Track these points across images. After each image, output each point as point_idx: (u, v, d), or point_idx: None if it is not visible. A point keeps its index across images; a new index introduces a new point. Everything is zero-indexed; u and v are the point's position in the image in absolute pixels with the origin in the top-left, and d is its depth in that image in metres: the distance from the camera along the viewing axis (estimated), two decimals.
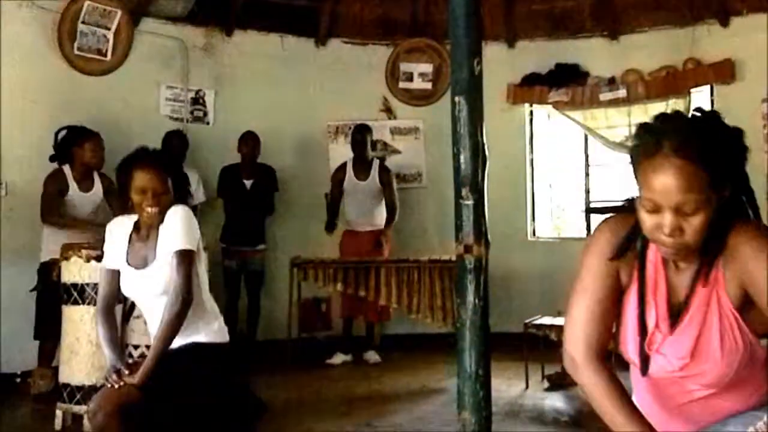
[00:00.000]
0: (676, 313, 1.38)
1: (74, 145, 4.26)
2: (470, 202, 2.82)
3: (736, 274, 1.31)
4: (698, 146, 1.26)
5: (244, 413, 2.46)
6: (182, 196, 2.45)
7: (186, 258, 2.25)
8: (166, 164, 2.42)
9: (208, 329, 2.38)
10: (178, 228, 2.29)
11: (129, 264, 2.36)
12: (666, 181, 1.24)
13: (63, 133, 4.30)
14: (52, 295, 3.79)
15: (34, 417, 3.85)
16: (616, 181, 5.97)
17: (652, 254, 1.41)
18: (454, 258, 2.92)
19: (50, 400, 3.67)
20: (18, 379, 4.48)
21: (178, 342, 2.29)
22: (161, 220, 2.35)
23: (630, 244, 1.40)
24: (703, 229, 1.25)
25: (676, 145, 1.26)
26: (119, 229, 2.44)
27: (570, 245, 5.74)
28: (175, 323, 2.22)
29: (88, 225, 4.28)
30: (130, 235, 2.41)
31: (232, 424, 2.42)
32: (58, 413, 3.60)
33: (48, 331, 3.91)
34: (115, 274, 2.40)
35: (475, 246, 2.80)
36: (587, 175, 5.75)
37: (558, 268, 5.51)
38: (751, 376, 1.37)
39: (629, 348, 1.43)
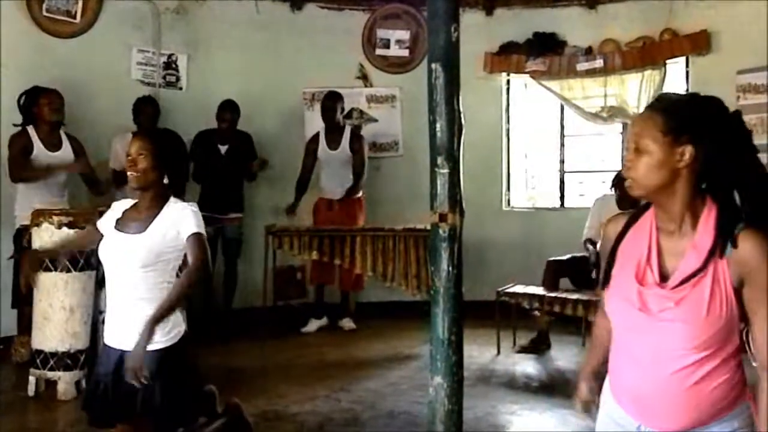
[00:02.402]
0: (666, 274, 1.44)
1: (32, 103, 4.17)
2: (446, 171, 2.83)
3: (737, 270, 1.38)
4: (666, 102, 1.47)
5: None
6: (177, 192, 2.45)
7: (202, 240, 2.31)
8: (166, 152, 2.40)
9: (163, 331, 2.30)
10: (191, 217, 2.33)
11: (116, 228, 2.35)
12: (633, 125, 1.52)
13: (24, 98, 4.21)
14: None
15: (10, 383, 3.83)
16: (591, 151, 6.03)
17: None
18: (428, 227, 2.94)
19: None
20: None
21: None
22: (156, 205, 2.34)
23: None
24: (647, 168, 1.42)
25: (653, 102, 1.50)
26: (120, 204, 2.47)
27: (544, 215, 5.82)
28: (187, 289, 2.27)
29: (58, 170, 4.19)
30: (127, 210, 2.41)
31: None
32: (32, 379, 3.59)
33: (25, 299, 3.86)
34: (98, 233, 2.42)
35: (450, 215, 2.83)
36: (562, 145, 5.79)
37: (532, 238, 5.59)
38: (724, 363, 1.42)
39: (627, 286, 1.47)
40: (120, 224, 2.37)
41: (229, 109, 5.01)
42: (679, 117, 1.41)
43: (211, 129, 5.06)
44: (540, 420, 3.25)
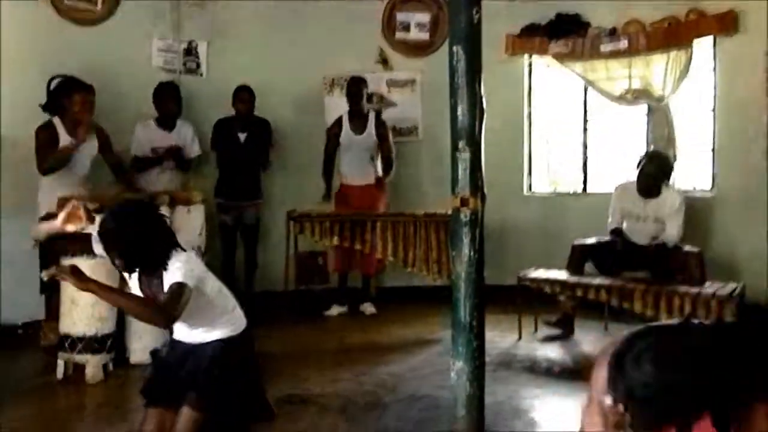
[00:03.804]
0: None
1: (65, 96, 4.18)
2: (467, 155, 2.81)
3: None
4: None
5: (253, 412, 2.70)
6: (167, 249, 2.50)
7: (179, 292, 2.39)
8: (123, 243, 2.45)
9: (221, 329, 2.59)
10: (179, 269, 2.42)
11: (141, 288, 2.53)
12: None
13: (56, 81, 4.22)
14: (54, 247, 3.80)
15: (38, 367, 3.91)
16: (615, 135, 5.94)
17: None
18: (449, 212, 2.93)
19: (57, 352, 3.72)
20: (20, 331, 4.55)
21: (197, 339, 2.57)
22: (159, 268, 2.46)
23: None
24: None
25: None
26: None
27: (566, 200, 5.76)
28: (138, 314, 2.51)
29: (79, 142, 4.17)
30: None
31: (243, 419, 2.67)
32: (60, 363, 3.66)
33: (53, 285, 3.93)
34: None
35: (471, 199, 2.81)
36: (585, 129, 5.71)
37: (553, 224, 5.54)
38: None
39: None
40: (143, 283, 2.55)
41: (244, 93, 5.01)
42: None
43: (230, 116, 5.08)
44: (562, 404, 3.24)
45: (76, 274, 2.40)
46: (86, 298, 3.62)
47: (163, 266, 2.47)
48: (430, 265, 4.49)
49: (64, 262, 3.64)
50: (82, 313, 3.64)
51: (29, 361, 4.00)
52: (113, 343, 3.70)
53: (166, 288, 2.43)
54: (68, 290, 3.67)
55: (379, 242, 4.49)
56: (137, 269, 2.50)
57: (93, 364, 3.60)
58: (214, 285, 2.67)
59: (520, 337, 4.42)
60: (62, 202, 3.70)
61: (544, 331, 4.54)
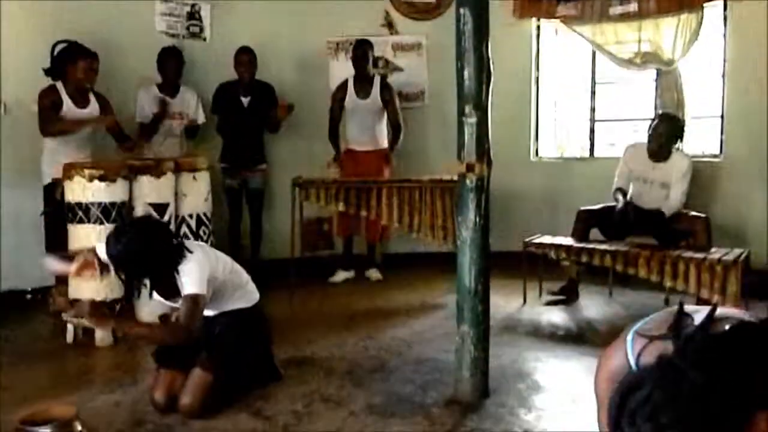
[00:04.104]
0: None
1: (69, 61, 4.17)
2: (473, 120, 2.79)
3: None
4: None
5: (262, 377, 2.93)
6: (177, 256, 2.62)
7: (194, 303, 2.56)
8: (131, 267, 2.60)
9: (234, 303, 2.82)
10: (189, 274, 2.57)
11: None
12: None
13: (61, 46, 4.20)
14: (60, 215, 3.83)
15: (48, 331, 3.97)
16: (623, 99, 5.87)
17: None
18: (455, 178, 2.92)
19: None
20: (29, 296, 4.61)
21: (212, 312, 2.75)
22: (172, 279, 2.62)
23: None
24: None
25: None
26: None
27: (573, 165, 5.72)
28: (157, 340, 2.73)
29: (88, 124, 4.24)
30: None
31: (261, 374, 2.91)
32: (70, 327, 3.71)
33: (61, 251, 3.96)
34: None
35: (477, 165, 2.80)
36: (593, 93, 5.64)
37: (560, 189, 5.53)
38: None
39: None
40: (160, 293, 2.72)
41: (244, 56, 4.95)
42: None
43: (233, 80, 5.03)
44: (565, 367, 3.28)
45: (95, 314, 2.48)
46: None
47: (174, 276, 2.57)
48: (436, 231, 4.49)
49: (74, 229, 3.67)
50: (89, 279, 3.67)
51: (39, 326, 4.06)
52: (121, 308, 3.74)
53: (183, 292, 2.55)
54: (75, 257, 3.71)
55: (384, 208, 4.48)
56: (148, 284, 2.62)
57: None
58: (225, 266, 2.78)
59: (524, 302, 4.45)
60: (69, 167, 3.72)
61: (549, 296, 4.57)
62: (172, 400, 2.68)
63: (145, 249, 2.48)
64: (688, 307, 1.78)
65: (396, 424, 2.61)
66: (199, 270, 2.57)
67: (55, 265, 2.76)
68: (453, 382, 2.89)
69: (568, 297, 4.54)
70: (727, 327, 1.48)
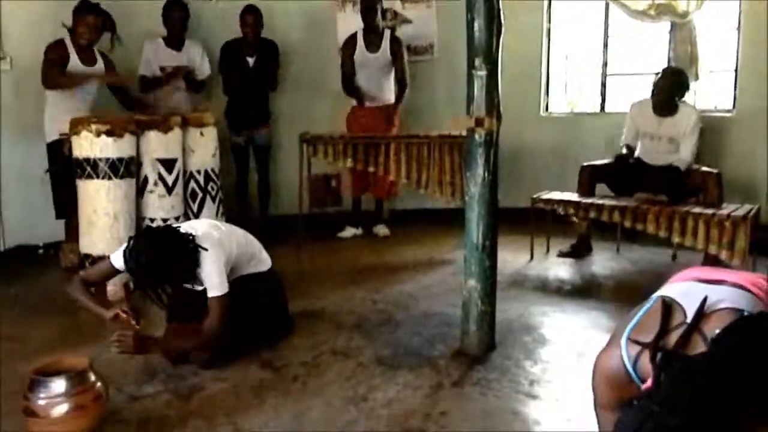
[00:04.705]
0: None
1: (78, 17, 4.13)
2: (483, 73, 2.74)
3: None
4: None
5: (280, 325, 3.07)
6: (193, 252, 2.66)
7: (220, 304, 2.64)
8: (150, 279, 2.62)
9: (249, 269, 2.95)
10: (209, 275, 2.64)
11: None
12: None
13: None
14: (68, 171, 3.83)
15: (61, 286, 4.03)
16: (636, 52, 5.75)
17: None
18: (464, 133, 2.89)
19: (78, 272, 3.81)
20: (41, 251, 4.66)
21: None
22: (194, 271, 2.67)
23: None
24: None
25: None
26: None
27: (583, 120, 5.65)
28: (193, 346, 2.70)
29: (91, 80, 4.21)
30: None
31: (272, 330, 3.01)
32: None
33: (70, 207, 4.00)
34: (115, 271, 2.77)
35: (487, 119, 2.77)
36: (606, 46, 5.53)
37: (569, 145, 5.47)
38: None
39: None
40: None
41: (250, 15, 4.87)
42: None
43: (237, 39, 4.96)
44: (571, 321, 3.31)
45: (142, 348, 2.56)
46: (104, 221, 3.69)
47: (193, 279, 2.64)
48: (444, 187, 4.48)
49: (82, 184, 3.68)
50: (100, 235, 3.71)
51: (52, 281, 4.12)
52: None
53: (206, 282, 2.64)
54: (85, 212, 3.73)
55: (392, 164, 4.46)
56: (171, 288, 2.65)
57: (114, 283, 3.69)
58: (239, 242, 2.85)
59: (532, 258, 4.47)
60: (76, 123, 3.71)
61: (558, 251, 4.58)
62: (184, 351, 2.73)
63: (164, 258, 2.52)
64: (678, 289, 1.78)
65: (403, 375, 2.66)
66: (217, 270, 2.64)
67: (89, 304, 2.80)
68: (460, 335, 2.93)
69: (579, 253, 4.55)
70: (716, 332, 1.49)
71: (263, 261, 3.06)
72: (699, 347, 1.52)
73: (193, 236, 2.63)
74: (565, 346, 2.98)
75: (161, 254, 2.51)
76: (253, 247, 3.03)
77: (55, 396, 2.10)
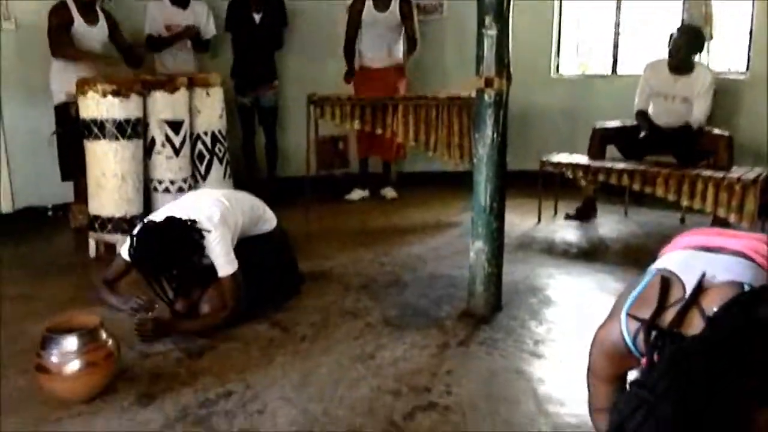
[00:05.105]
0: None
1: None
2: (493, 32, 2.69)
3: None
4: None
5: (289, 282, 3.13)
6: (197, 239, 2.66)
7: (233, 282, 2.69)
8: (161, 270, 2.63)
9: (256, 231, 2.99)
10: (217, 256, 2.66)
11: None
12: None
13: None
14: (75, 134, 3.83)
15: (71, 247, 4.07)
16: (649, 13, 5.63)
17: None
18: (473, 95, 2.85)
19: (87, 233, 3.85)
20: (50, 213, 4.70)
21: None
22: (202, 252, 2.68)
23: None
24: None
25: None
26: None
27: (594, 83, 5.57)
28: (210, 326, 2.70)
29: (99, 58, 4.22)
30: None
31: (282, 288, 3.06)
32: (92, 242, 3.80)
33: (77, 169, 4.01)
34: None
35: (496, 79, 2.73)
36: (618, 7, 5.41)
37: (580, 107, 5.41)
38: None
39: None
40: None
41: None
42: None
43: None
44: (577, 283, 3.32)
45: (157, 329, 2.59)
46: (112, 182, 3.70)
47: (201, 264, 2.65)
48: (452, 149, 4.45)
49: (90, 146, 3.68)
50: (108, 196, 3.72)
51: (62, 242, 4.16)
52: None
53: (214, 263, 2.66)
54: (93, 174, 3.74)
55: (400, 126, 4.43)
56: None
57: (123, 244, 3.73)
58: (244, 208, 2.86)
59: (539, 221, 4.46)
60: (82, 83, 3.69)
61: (566, 218, 4.57)
62: (192, 309, 2.76)
63: (168, 251, 2.54)
64: (677, 260, 1.76)
65: (410, 335, 2.69)
66: (223, 249, 2.65)
67: (115, 303, 2.82)
68: (466, 296, 2.95)
69: (585, 216, 4.54)
70: (714, 308, 1.48)
71: (269, 221, 3.06)
72: (697, 324, 1.52)
73: (195, 221, 2.62)
74: (570, 307, 3.00)
75: (165, 249, 2.53)
76: (259, 210, 3.03)
77: (67, 353, 2.13)
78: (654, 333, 1.51)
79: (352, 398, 2.20)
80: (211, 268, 2.68)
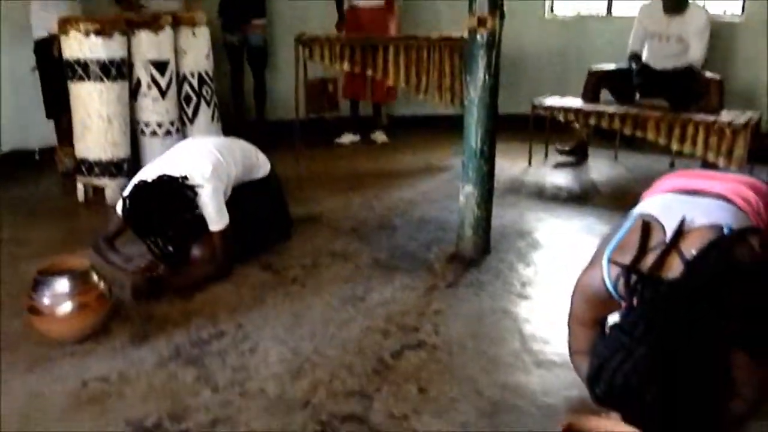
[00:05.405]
0: None
1: None
2: None
3: None
4: None
5: (281, 226, 3.13)
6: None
7: (223, 236, 2.68)
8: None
9: (251, 176, 2.98)
10: (207, 209, 2.63)
11: None
12: None
13: None
14: (57, 72, 3.75)
15: (59, 191, 4.04)
16: None
17: None
18: (465, 35, 2.80)
19: (75, 176, 3.82)
20: (37, 156, 4.64)
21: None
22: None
23: None
24: None
25: None
26: None
27: (589, 24, 5.47)
28: (203, 278, 2.67)
29: None
30: None
31: (274, 232, 3.07)
32: (80, 186, 3.78)
33: (60, 109, 3.94)
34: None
35: (489, 19, 2.67)
36: None
37: (574, 49, 5.33)
38: None
39: None
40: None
41: None
42: None
43: None
44: (565, 226, 3.35)
45: (151, 288, 2.54)
46: (98, 124, 3.65)
47: (194, 219, 2.61)
48: (443, 92, 4.39)
49: (74, 87, 3.60)
50: (95, 139, 3.68)
51: (50, 185, 4.12)
52: (130, 167, 3.78)
53: (206, 217, 2.64)
54: (78, 115, 3.68)
55: (391, 68, 4.35)
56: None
57: (112, 188, 3.71)
58: (237, 157, 2.83)
59: (530, 164, 4.46)
60: (64, 22, 3.58)
61: (555, 158, 4.57)
62: (185, 261, 2.75)
63: (161, 211, 2.51)
64: (659, 204, 1.77)
65: (400, 277, 2.72)
66: (215, 204, 2.63)
67: (114, 261, 2.74)
68: (455, 239, 2.97)
69: (577, 158, 4.55)
70: (693, 252, 1.50)
71: (262, 167, 3.05)
72: (677, 267, 1.54)
73: (186, 178, 2.59)
74: (557, 250, 3.04)
75: (157, 209, 2.50)
76: (252, 157, 3.00)
77: (59, 295, 2.15)
78: (634, 277, 1.53)
79: (342, 338, 2.24)
80: (203, 220, 2.66)
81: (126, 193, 2.60)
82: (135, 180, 2.64)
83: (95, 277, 2.25)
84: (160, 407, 1.86)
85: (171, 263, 2.66)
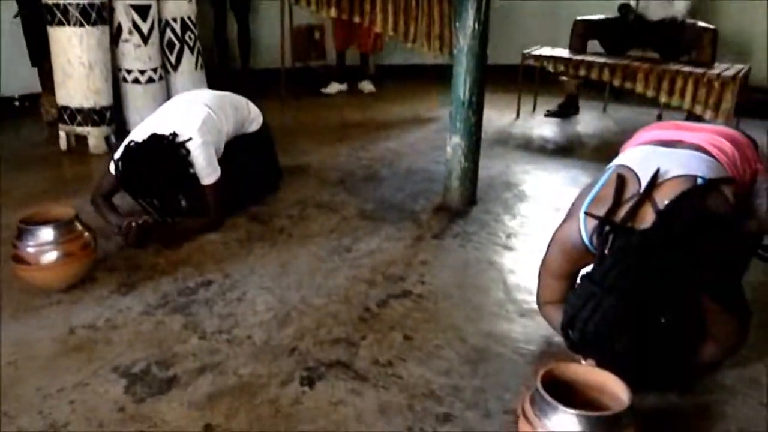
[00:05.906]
0: None
1: None
2: None
3: None
4: None
5: (271, 178, 3.14)
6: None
7: (215, 189, 2.66)
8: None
9: (244, 130, 2.98)
10: (198, 161, 2.59)
11: None
12: None
13: None
14: (40, 19, 3.63)
15: (42, 139, 3.97)
16: None
17: None
18: None
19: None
20: (17, 103, 4.54)
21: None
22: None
23: None
24: None
25: None
26: None
27: None
28: (199, 231, 2.68)
29: None
30: None
31: (264, 185, 3.07)
32: (62, 134, 3.72)
33: (42, 55, 3.83)
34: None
35: None
36: None
37: None
38: None
39: None
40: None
41: None
42: None
43: None
44: (551, 178, 3.37)
45: (141, 235, 2.50)
46: (79, 70, 3.56)
47: (188, 177, 2.57)
48: (432, 41, 4.32)
49: (54, 32, 3.49)
50: (76, 86, 3.60)
51: (32, 133, 4.05)
52: (113, 115, 3.71)
53: (198, 172, 2.60)
54: (59, 61, 3.59)
55: (378, 14, 4.26)
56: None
57: (95, 136, 3.65)
58: (228, 112, 2.80)
59: (518, 116, 4.44)
60: None
61: (545, 109, 4.55)
62: (178, 215, 2.73)
63: (153, 172, 2.46)
64: (635, 156, 1.77)
65: (386, 228, 2.73)
66: (206, 159, 2.59)
67: (109, 217, 2.66)
68: (442, 191, 2.98)
69: (566, 113, 4.53)
70: (666, 202, 1.50)
71: (255, 119, 3.03)
72: (650, 218, 1.55)
73: (176, 135, 2.54)
74: (543, 202, 3.06)
75: (150, 170, 2.45)
76: (244, 111, 2.96)
77: (43, 244, 2.14)
78: (607, 228, 1.55)
79: (329, 287, 2.26)
80: (197, 180, 2.63)
81: (117, 155, 2.56)
82: (126, 141, 2.60)
83: (80, 226, 2.23)
84: (148, 354, 1.88)
85: (165, 222, 2.64)
